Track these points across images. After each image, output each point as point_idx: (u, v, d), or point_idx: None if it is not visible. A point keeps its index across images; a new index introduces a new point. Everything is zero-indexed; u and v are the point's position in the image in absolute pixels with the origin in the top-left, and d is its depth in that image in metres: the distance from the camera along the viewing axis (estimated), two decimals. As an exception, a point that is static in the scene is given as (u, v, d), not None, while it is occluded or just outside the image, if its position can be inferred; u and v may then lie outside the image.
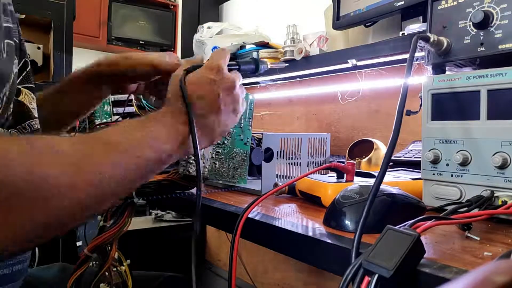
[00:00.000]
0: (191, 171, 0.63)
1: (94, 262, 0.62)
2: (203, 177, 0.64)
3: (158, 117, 0.51)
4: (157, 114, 0.52)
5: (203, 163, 0.64)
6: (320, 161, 0.81)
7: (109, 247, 0.61)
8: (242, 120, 0.70)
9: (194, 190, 0.69)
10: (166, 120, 0.51)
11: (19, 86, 0.58)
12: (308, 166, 0.78)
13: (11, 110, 0.54)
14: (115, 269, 0.64)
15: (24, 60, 0.59)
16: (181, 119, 0.51)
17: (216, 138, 0.57)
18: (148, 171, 0.48)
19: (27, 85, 0.61)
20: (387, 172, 0.72)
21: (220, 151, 0.66)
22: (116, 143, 0.45)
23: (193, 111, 0.51)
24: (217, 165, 0.65)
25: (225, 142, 0.67)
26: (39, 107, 0.66)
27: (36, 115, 0.62)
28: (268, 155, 0.70)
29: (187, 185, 0.67)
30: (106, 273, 0.61)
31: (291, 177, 0.74)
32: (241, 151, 0.69)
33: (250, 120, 0.71)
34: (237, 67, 0.59)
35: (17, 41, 0.54)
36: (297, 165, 0.76)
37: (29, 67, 0.61)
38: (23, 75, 0.59)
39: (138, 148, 0.46)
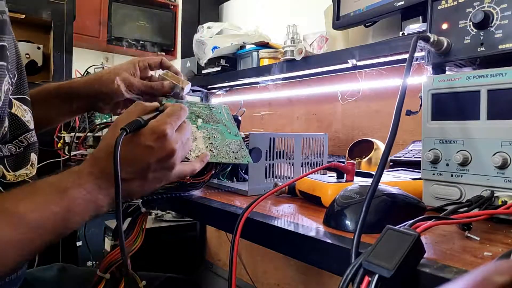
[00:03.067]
0: (190, 158, 0.60)
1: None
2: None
3: (81, 182, 0.48)
4: (79, 177, 0.48)
5: (199, 151, 0.63)
6: (317, 161, 0.80)
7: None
8: (224, 121, 0.71)
9: (196, 192, 0.69)
10: (88, 188, 0.48)
11: (11, 97, 0.57)
12: (302, 166, 0.77)
13: (7, 124, 0.54)
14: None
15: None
16: (104, 185, 0.48)
17: (136, 196, 0.55)
18: (52, 239, 0.47)
19: (19, 96, 0.60)
20: (387, 172, 0.73)
21: (212, 142, 0.65)
22: (29, 219, 0.44)
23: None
24: (214, 152, 0.64)
25: (215, 136, 0.67)
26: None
27: (31, 127, 0.61)
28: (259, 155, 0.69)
29: (195, 185, 0.66)
30: None
31: (289, 177, 0.74)
32: (234, 140, 0.69)
33: (231, 119, 0.73)
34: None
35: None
36: (290, 165, 0.75)
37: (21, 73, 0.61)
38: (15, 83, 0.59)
39: (50, 226, 0.45)
